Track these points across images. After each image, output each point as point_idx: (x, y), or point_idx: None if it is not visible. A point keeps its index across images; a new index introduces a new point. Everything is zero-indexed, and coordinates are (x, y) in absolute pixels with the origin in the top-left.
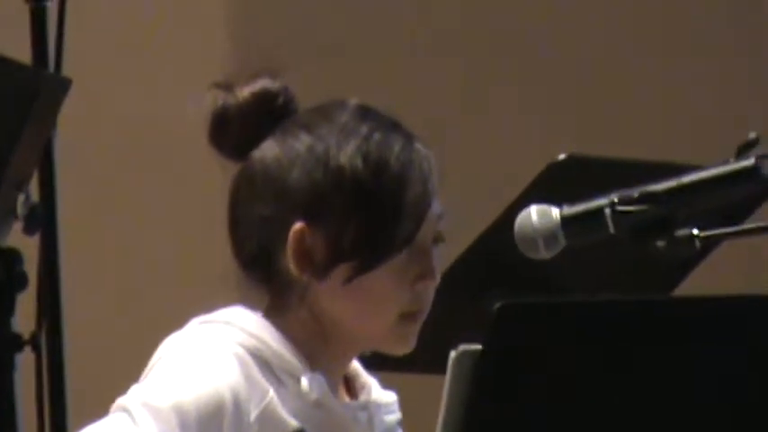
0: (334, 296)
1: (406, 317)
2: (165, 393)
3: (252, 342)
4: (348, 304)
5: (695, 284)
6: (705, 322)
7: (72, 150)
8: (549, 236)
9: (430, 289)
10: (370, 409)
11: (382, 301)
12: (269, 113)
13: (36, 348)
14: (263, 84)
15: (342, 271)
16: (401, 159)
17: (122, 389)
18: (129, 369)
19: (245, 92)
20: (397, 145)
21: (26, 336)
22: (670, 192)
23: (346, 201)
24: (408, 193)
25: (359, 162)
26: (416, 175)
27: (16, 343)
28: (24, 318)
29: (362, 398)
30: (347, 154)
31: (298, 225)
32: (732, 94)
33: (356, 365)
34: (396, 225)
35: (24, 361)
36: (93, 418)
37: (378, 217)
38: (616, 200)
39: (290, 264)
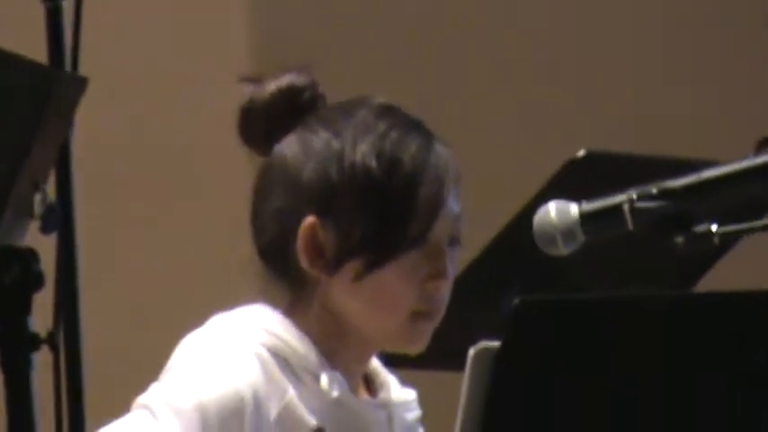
0: (345, 292)
1: (417, 316)
2: (186, 392)
3: (272, 340)
4: (359, 301)
5: (715, 281)
6: (726, 317)
7: (89, 149)
8: (567, 232)
9: (442, 289)
10: (390, 407)
11: (392, 299)
12: (294, 108)
13: (53, 348)
14: (289, 78)
15: (352, 267)
16: (416, 158)
17: (140, 388)
18: (147, 367)
19: (272, 86)
20: (413, 144)
21: (43, 335)
22: (689, 188)
23: (358, 197)
24: (421, 191)
25: (372, 159)
26: (431, 174)
27: (33, 342)
28: (41, 317)
29: (382, 396)
30: (362, 151)
31: (309, 219)
32: (749, 91)
33: (376, 364)
34: (406, 223)
35: (42, 360)
36: (111, 417)
37: (388, 214)
38: (635, 196)
39: (301, 257)
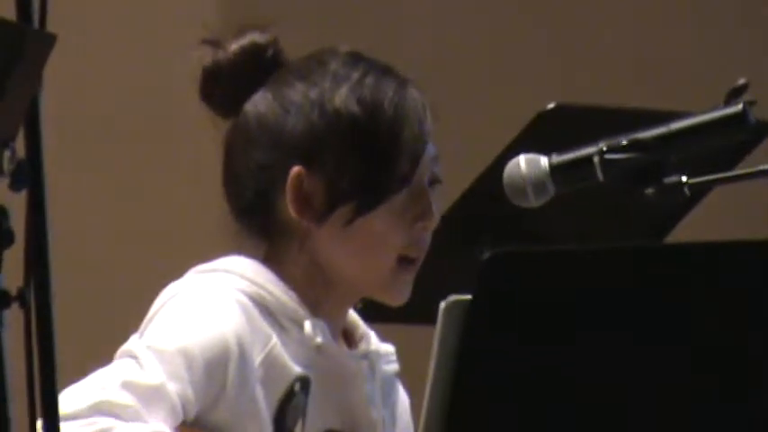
0: (334, 240)
1: (404, 262)
2: (170, 338)
3: (253, 288)
4: (348, 248)
5: (687, 232)
6: (698, 268)
7: (58, 107)
8: (538, 184)
9: (428, 230)
10: (371, 357)
11: (382, 243)
12: (259, 66)
13: (24, 304)
14: (251, 37)
15: (341, 214)
16: (395, 101)
17: (111, 344)
18: (117, 324)
19: (234, 46)
20: (389, 88)
21: (13, 292)
22: (659, 139)
23: (343, 142)
24: (404, 133)
25: (354, 105)
26: (411, 116)
27: (3, 299)
28: (11, 274)
29: (363, 347)
30: (342, 98)
31: (296, 169)
32: (719, 40)
33: (354, 316)
34: (393, 165)
35: (12, 318)
36: (83, 374)
37: (375, 157)
38: (605, 147)
39: (290, 209)
